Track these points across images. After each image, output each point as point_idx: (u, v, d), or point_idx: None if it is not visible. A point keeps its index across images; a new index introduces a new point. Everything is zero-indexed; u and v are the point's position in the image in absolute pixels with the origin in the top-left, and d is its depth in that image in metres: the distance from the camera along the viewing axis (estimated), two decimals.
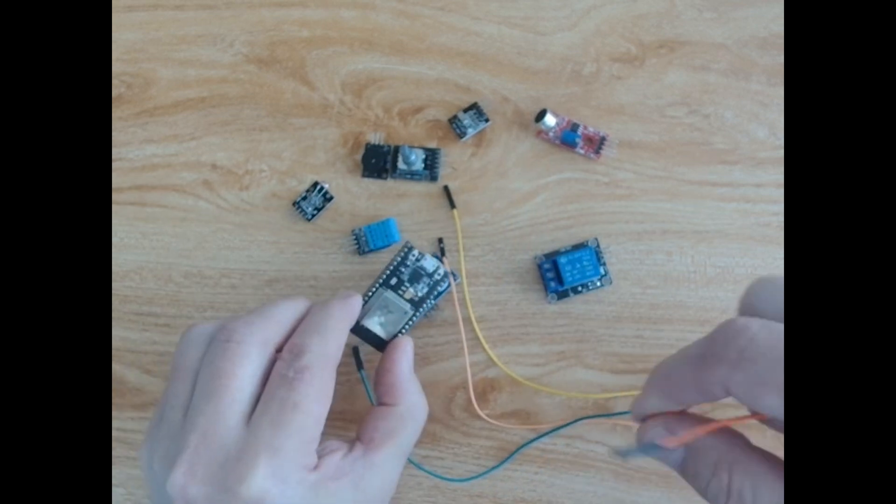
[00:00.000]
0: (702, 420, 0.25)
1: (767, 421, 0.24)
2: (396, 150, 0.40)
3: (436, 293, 0.35)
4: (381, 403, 0.33)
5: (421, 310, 0.35)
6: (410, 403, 0.32)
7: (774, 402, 0.20)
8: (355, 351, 0.37)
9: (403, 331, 0.34)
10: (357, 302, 0.33)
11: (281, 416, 0.26)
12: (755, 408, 0.21)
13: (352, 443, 0.30)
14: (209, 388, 0.27)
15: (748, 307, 0.23)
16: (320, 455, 0.28)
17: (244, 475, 0.25)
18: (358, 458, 0.29)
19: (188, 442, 0.26)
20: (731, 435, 0.23)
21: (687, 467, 0.24)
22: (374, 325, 0.34)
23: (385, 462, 0.30)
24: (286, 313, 0.31)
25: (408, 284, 0.35)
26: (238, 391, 0.27)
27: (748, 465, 0.22)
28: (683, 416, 0.24)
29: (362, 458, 0.29)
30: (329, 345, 0.30)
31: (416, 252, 0.35)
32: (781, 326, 0.21)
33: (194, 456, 0.25)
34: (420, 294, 0.35)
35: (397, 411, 0.32)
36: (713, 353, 0.21)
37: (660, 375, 0.24)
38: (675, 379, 0.23)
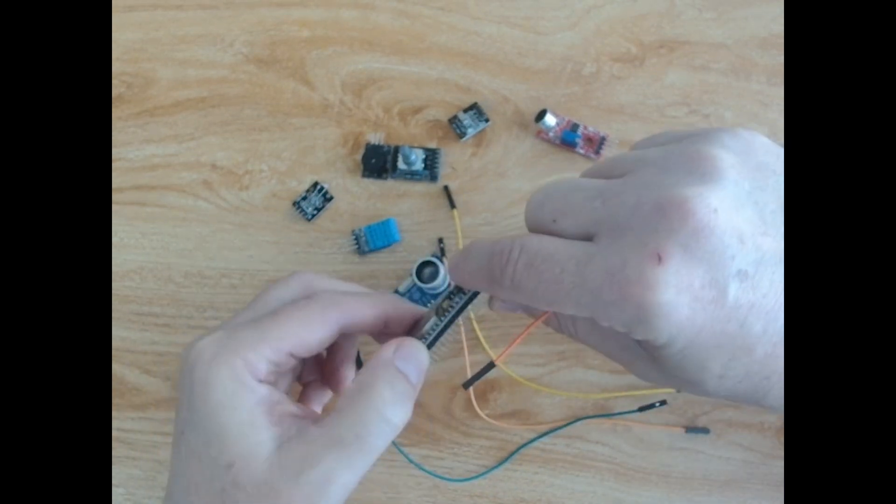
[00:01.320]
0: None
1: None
2: (396, 150, 0.40)
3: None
4: None
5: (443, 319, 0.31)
6: (364, 384, 0.27)
7: (578, 323, 0.25)
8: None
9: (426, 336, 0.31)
10: (412, 313, 0.31)
11: (260, 317, 0.28)
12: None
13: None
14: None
15: (528, 221, 0.25)
16: (277, 396, 0.27)
17: (201, 338, 0.27)
18: (297, 423, 0.27)
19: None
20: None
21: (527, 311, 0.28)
22: None
23: (316, 439, 0.26)
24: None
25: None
26: (260, 305, 0.30)
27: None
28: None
29: (299, 426, 0.27)
30: (346, 299, 0.29)
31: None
32: (541, 237, 0.23)
33: (202, 334, 0.28)
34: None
35: (348, 390, 0.28)
36: (493, 277, 0.24)
37: (462, 258, 0.26)
38: (471, 276, 0.26)
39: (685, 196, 0.21)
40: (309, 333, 0.28)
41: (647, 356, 0.23)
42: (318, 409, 0.35)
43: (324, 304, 0.29)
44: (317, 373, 0.34)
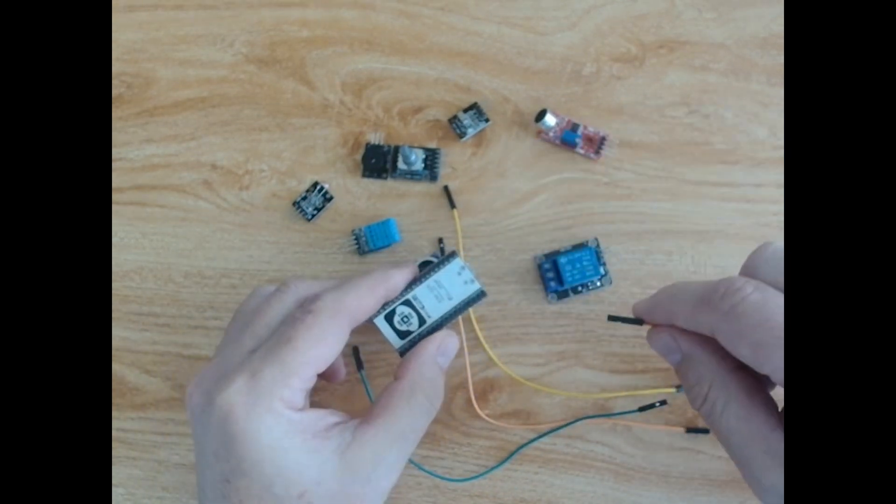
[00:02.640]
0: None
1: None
2: (396, 150, 0.40)
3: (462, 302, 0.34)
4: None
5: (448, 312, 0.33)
6: (414, 380, 0.30)
7: (745, 353, 0.24)
8: (355, 351, 0.37)
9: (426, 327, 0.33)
10: (401, 274, 0.32)
11: (273, 347, 0.28)
12: (729, 349, 0.25)
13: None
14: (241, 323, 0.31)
15: (749, 268, 0.26)
16: (318, 414, 0.29)
17: (223, 387, 0.27)
18: (349, 427, 0.29)
19: (208, 365, 0.30)
20: (722, 354, 0.27)
21: (680, 370, 0.29)
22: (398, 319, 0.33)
23: (377, 437, 0.28)
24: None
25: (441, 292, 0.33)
26: (261, 327, 0.30)
27: (727, 384, 0.26)
28: (685, 332, 0.29)
29: (353, 429, 0.29)
30: (346, 298, 0.30)
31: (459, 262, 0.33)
32: (772, 291, 0.24)
33: (205, 373, 0.29)
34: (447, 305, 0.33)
35: (399, 386, 0.30)
36: (710, 300, 0.25)
37: (667, 295, 0.29)
38: (676, 305, 0.28)
39: None
40: (327, 349, 0.29)
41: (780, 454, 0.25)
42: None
43: (331, 313, 0.29)
44: (332, 369, 0.35)
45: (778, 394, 0.27)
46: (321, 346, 0.29)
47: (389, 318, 0.33)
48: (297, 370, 0.28)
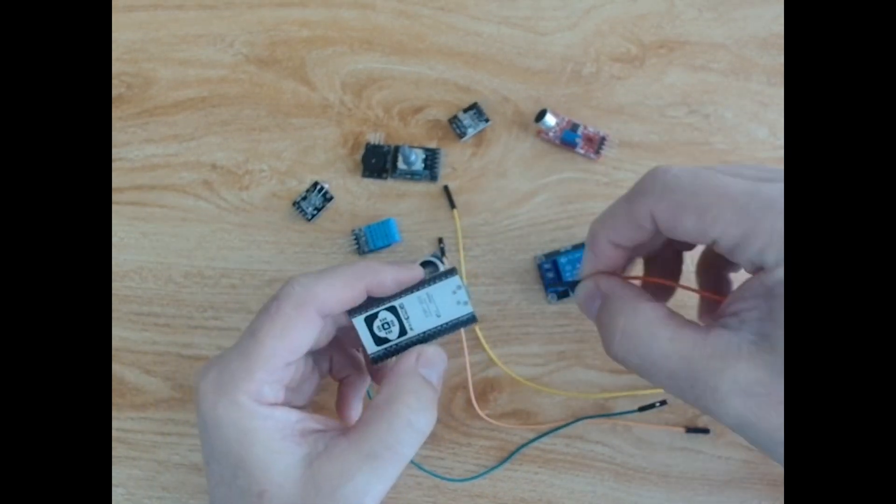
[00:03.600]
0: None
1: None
2: (396, 150, 0.40)
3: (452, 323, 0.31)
4: None
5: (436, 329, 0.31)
6: (391, 393, 0.28)
7: (692, 224, 0.23)
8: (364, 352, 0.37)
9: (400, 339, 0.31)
10: (393, 272, 0.30)
11: (242, 338, 0.28)
12: (676, 232, 0.24)
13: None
14: None
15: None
16: (294, 415, 0.28)
17: (203, 376, 0.28)
18: (326, 437, 0.27)
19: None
20: (631, 291, 0.27)
21: (599, 317, 0.27)
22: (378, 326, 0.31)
23: (346, 452, 0.26)
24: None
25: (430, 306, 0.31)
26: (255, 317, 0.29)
27: (644, 314, 0.25)
28: (607, 274, 0.28)
29: (326, 439, 0.27)
30: (316, 287, 0.28)
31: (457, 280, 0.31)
32: (696, 168, 0.24)
33: (205, 364, 0.29)
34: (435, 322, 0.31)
35: (375, 400, 0.28)
36: (641, 189, 0.25)
37: (602, 216, 0.28)
38: (612, 216, 0.27)
39: None
40: (291, 341, 0.28)
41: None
42: (356, 406, 0.34)
43: (296, 302, 0.28)
44: (350, 367, 0.34)
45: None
46: (286, 338, 0.27)
47: (370, 321, 0.30)
48: (261, 363, 0.27)
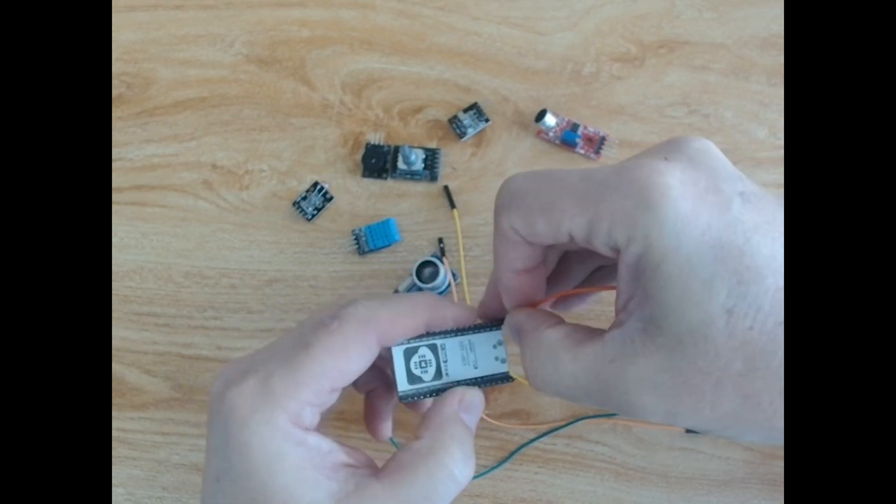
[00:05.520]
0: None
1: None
2: (396, 150, 0.40)
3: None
4: None
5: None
6: (437, 439, 0.26)
7: (543, 226, 0.23)
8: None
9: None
10: (455, 311, 0.29)
11: (291, 350, 0.26)
12: (536, 238, 0.24)
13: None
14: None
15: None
16: (328, 445, 0.26)
17: (236, 383, 0.25)
18: (357, 475, 0.25)
19: (247, 354, 0.28)
20: (532, 322, 0.26)
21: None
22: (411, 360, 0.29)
23: (379, 498, 0.24)
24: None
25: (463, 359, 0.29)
26: (300, 328, 0.28)
27: (544, 344, 0.24)
28: (519, 309, 0.27)
29: (359, 479, 0.25)
30: (381, 310, 0.27)
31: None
32: (536, 170, 0.24)
33: (236, 362, 0.27)
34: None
35: (418, 445, 0.26)
36: (497, 206, 0.25)
37: (495, 255, 0.27)
38: (496, 245, 0.26)
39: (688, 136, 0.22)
40: (348, 363, 0.26)
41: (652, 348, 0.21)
42: (387, 419, 0.32)
43: (358, 323, 0.26)
44: (377, 380, 0.31)
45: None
46: (341, 358, 0.25)
47: (409, 355, 0.29)
48: (310, 381, 0.25)
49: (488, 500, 0.38)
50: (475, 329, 0.29)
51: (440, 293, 0.38)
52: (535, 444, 0.38)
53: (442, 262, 0.38)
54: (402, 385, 0.28)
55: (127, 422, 0.39)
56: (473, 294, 0.39)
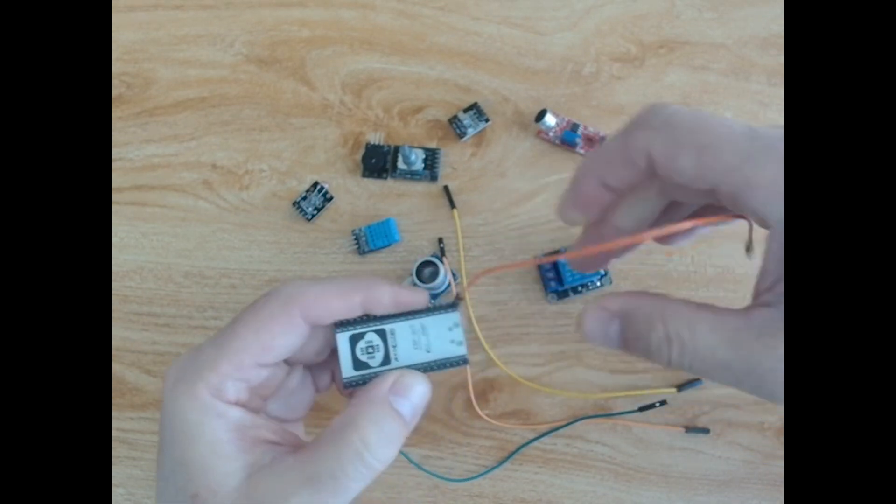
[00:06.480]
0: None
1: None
2: (396, 150, 0.40)
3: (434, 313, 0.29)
4: None
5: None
6: (351, 417, 0.25)
7: (688, 163, 0.22)
8: None
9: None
10: (392, 291, 0.27)
11: (221, 329, 0.27)
12: (672, 172, 0.22)
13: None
14: None
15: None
16: (251, 420, 0.26)
17: (174, 360, 0.27)
18: (272, 451, 0.25)
19: None
20: (655, 297, 0.24)
21: (627, 337, 0.24)
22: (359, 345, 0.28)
23: (287, 471, 0.24)
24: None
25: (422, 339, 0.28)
26: None
27: (679, 312, 0.23)
28: (613, 294, 0.25)
29: (274, 454, 0.25)
30: (308, 290, 0.26)
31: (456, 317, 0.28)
32: (699, 110, 0.22)
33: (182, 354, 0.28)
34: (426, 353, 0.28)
35: (333, 423, 0.26)
36: (639, 121, 0.23)
37: (594, 152, 0.25)
38: (605, 151, 0.25)
39: None
40: (269, 338, 0.26)
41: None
42: None
43: (282, 301, 0.26)
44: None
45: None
46: (260, 334, 0.26)
47: (354, 341, 0.28)
48: (230, 355, 0.25)
49: (488, 500, 0.38)
50: (428, 312, 0.28)
51: (440, 293, 0.38)
52: (535, 444, 0.38)
53: (442, 262, 0.38)
54: (347, 371, 0.28)
55: (127, 422, 0.39)
56: (473, 294, 0.39)
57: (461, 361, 0.28)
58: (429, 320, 0.28)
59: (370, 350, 0.28)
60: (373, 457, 0.25)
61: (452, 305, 0.28)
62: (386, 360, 0.28)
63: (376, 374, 0.27)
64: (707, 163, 0.21)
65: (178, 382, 0.25)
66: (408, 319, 0.28)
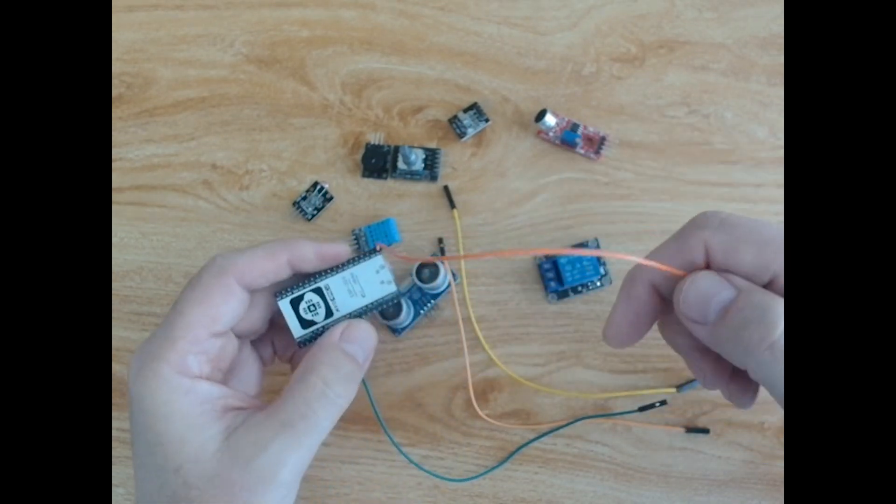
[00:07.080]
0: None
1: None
2: (396, 150, 0.40)
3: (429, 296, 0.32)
4: None
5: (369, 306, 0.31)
6: (308, 364, 0.28)
7: (751, 258, 0.23)
8: None
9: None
10: (312, 247, 0.30)
11: (168, 312, 0.28)
12: (731, 265, 0.24)
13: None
14: None
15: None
16: (217, 391, 0.27)
17: (134, 353, 0.28)
18: (242, 415, 0.27)
19: None
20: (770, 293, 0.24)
21: (731, 315, 0.23)
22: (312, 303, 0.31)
23: (262, 422, 0.26)
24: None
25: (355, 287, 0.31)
26: None
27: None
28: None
29: (245, 416, 0.27)
30: (238, 258, 0.29)
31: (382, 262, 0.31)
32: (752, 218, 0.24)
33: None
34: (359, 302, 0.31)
35: (294, 372, 0.28)
36: (695, 223, 0.25)
37: (647, 257, 0.26)
38: (658, 253, 0.26)
39: None
40: (213, 308, 0.28)
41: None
42: None
43: (214, 272, 0.28)
44: (295, 345, 0.32)
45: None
46: (205, 306, 0.28)
47: (296, 304, 0.30)
48: (183, 331, 0.27)
49: (488, 500, 0.38)
50: (353, 261, 0.31)
51: (440, 293, 0.38)
52: (535, 444, 0.38)
53: (442, 262, 0.38)
54: (297, 331, 0.30)
55: (127, 422, 0.39)
56: (473, 294, 0.39)
57: (394, 297, 0.31)
58: (357, 269, 0.31)
59: (312, 308, 0.30)
60: (335, 393, 0.28)
61: (374, 251, 0.31)
62: (329, 313, 0.31)
63: (323, 328, 0.30)
64: (769, 256, 0.23)
65: (141, 369, 0.27)
66: (338, 272, 0.31)
